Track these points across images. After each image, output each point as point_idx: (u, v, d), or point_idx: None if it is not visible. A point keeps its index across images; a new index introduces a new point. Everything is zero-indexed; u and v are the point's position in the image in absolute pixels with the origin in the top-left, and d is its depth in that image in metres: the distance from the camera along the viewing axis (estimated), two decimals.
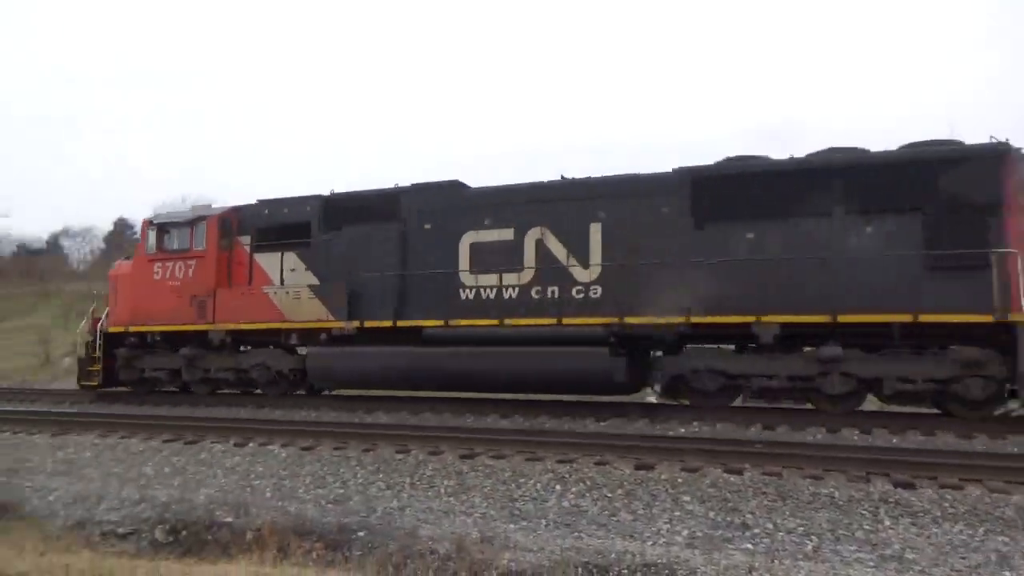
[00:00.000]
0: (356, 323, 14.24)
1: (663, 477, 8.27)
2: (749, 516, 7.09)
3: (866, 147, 11.71)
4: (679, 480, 8.14)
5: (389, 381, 14.50)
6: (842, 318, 10.91)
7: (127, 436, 11.97)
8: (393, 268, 14.17)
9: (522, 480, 8.56)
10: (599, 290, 12.62)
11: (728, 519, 7.08)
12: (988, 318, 10.08)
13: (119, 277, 17.27)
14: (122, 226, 60.64)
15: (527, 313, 12.94)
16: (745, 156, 12.52)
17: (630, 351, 12.31)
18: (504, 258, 13.29)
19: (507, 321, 12.99)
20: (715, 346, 12.42)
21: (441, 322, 13.45)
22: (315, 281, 14.92)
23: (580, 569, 5.79)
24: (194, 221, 16.14)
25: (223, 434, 11.62)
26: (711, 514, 7.23)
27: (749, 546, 6.39)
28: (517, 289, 13.17)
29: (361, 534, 7.09)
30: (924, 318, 10.44)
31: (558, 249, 12.97)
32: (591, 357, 12.09)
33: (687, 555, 6.05)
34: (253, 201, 16.20)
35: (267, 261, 15.57)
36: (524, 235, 13.20)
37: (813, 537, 6.54)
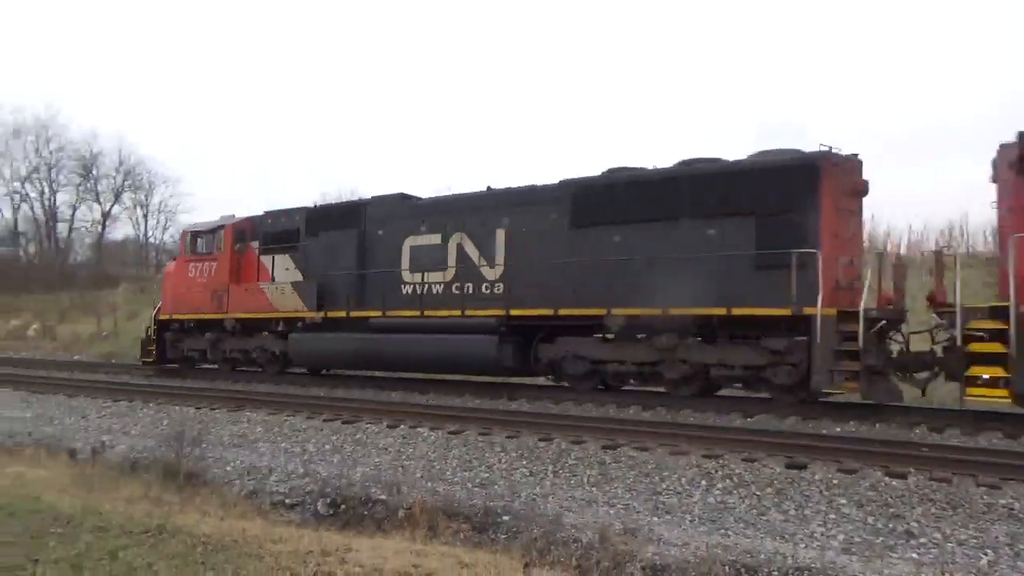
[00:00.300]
0: (322, 313, 17.05)
1: (816, 477, 7.88)
2: (914, 524, 6.63)
3: (723, 157, 13.05)
4: (834, 481, 7.73)
5: (345, 361, 17.58)
6: (673, 311, 12.29)
7: (292, 415, 12.92)
8: (353, 268, 16.85)
9: (666, 474, 8.45)
10: (501, 287, 14.58)
11: (890, 526, 6.65)
12: (787, 311, 11.22)
13: (167, 275, 21.78)
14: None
15: (444, 306, 15.15)
16: (622, 168, 14.06)
17: (526, 339, 14.20)
18: (434, 259, 15.50)
19: (427, 312, 15.25)
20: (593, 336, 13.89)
21: (380, 312, 15.99)
22: (299, 278, 17.90)
23: (727, 567, 5.65)
24: (215, 229, 19.90)
25: (377, 416, 12.28)
26: (870, 519, 6.82)
27: (915, 555, 5.98)
28: (442, 286, 15.41)
29: (506, 518, 7.29)
30: (736, 311, 11.80)
31: (472, 252, 15.04)
32: (484, 343, 14.13)
33: (844, 561, 5.76)
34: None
35: (268, 262, 18.81)
36: (448, 240, 15.40)
37: (988, 551, 6.02)
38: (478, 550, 5.70)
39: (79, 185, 58.89)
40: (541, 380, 15.78)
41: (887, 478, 7.69)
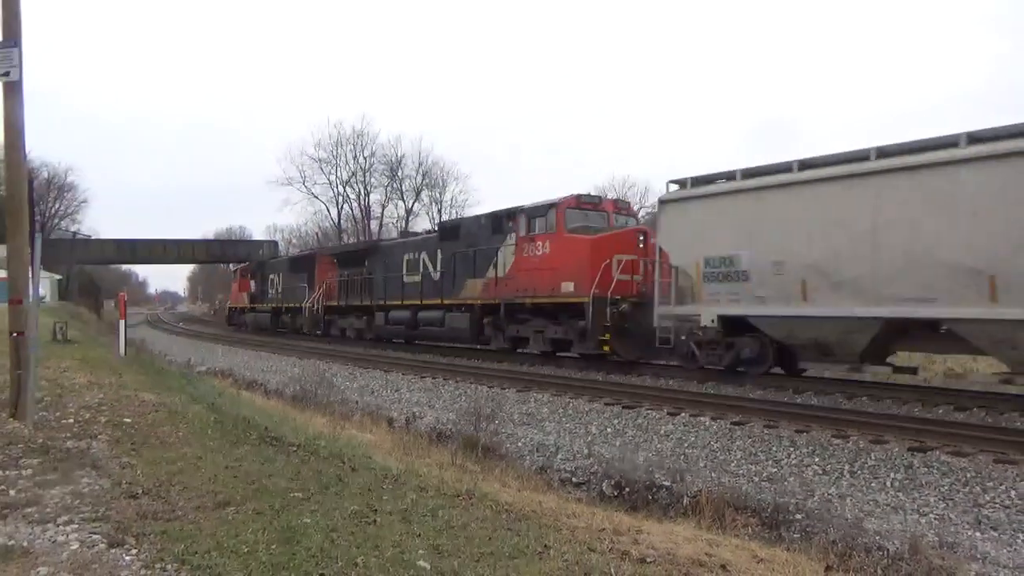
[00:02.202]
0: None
1: None
2: None
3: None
4: None
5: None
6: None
7: (574, 397, 13.49)
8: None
9: (989, 484, 7.44)
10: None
11: None
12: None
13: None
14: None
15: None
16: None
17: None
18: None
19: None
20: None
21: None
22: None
23: None
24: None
25: (657, 403, 12.36)
26: None
27: None
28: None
29: (798, 516, 6.96)
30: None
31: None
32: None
33: None
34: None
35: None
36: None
37: None
38: (773, 546, 5.51)
39: (387, 186, 66.88)
40: (827, 373, 14.71)
41: None
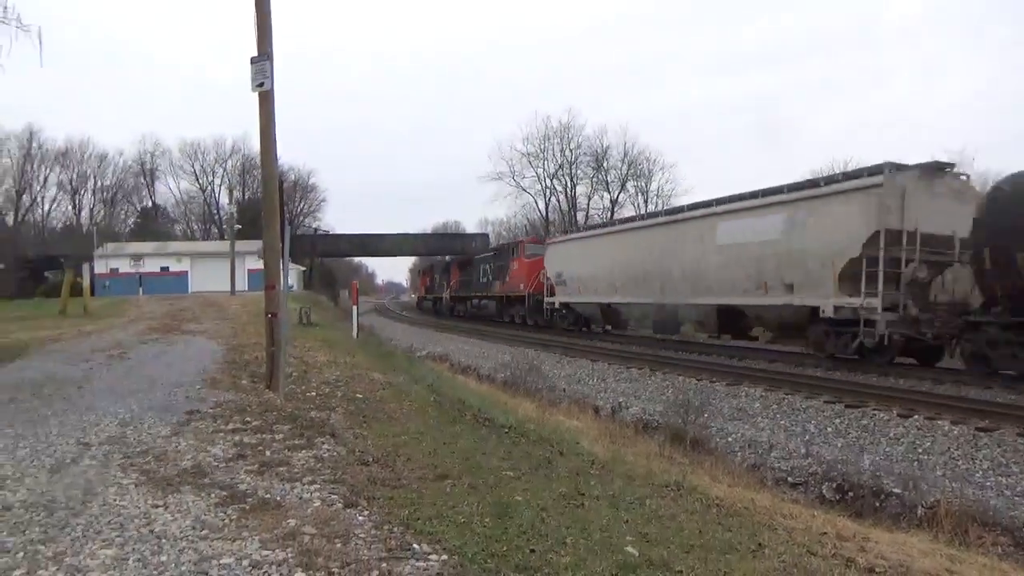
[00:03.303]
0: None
1: None
2: None
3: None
4: None
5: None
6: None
7: (790, 393, 12.73)
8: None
9: None
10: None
11: None
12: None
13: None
14: None
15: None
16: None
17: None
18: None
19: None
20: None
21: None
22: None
23: None
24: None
25: (884, 403, 11.33)
26: None
27: None
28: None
29: None
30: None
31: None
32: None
33: None
34: None
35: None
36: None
37: None
38: None
39: (592, 177, 67.29)
40: None
41: None
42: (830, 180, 16.57)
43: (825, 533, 4.85)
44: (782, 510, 5.67)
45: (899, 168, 14.63)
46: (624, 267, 23.51)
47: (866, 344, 14.66)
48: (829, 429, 10.46)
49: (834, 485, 8.12)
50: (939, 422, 9.98)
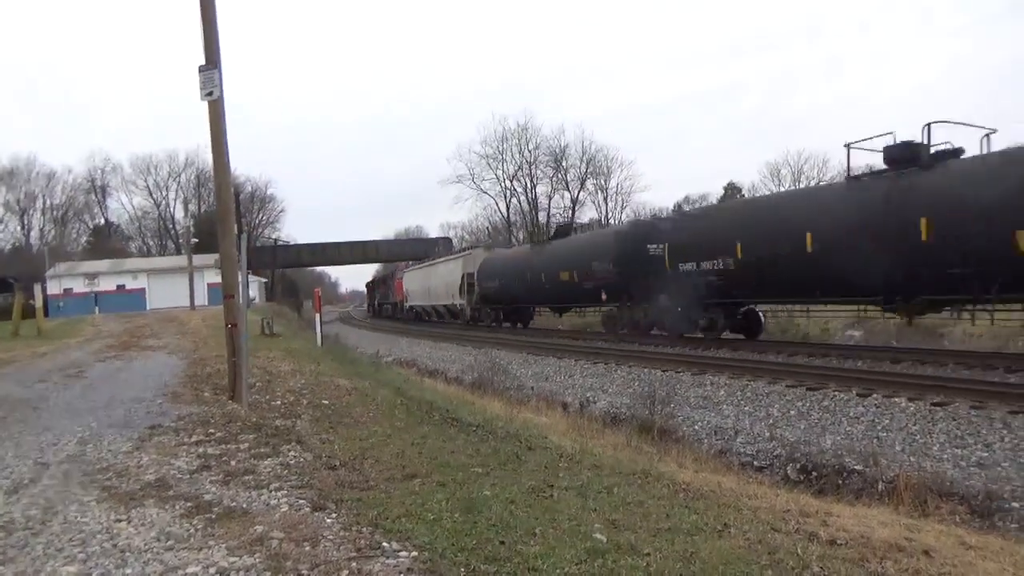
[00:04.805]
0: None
1: None
2: None
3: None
4: None
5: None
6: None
7: (753, 380, 12.95)
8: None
9: None
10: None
11: None
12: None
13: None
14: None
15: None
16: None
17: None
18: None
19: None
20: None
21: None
22: None
23: None
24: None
25: (845, 383, 11.59)
26: None
27: None
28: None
29: (1016, 505, 6.27)
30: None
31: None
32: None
33: None
34: None
35: None
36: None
37: None
38: (985, 534, 5.01)
39: (552, 177, 67.60)
40: None
41: None
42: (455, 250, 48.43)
43: (789, 511, 4.95)
44: (747, 491, 5.77)
45: (475, 247, 39.46)
46: (420, 284, 46.80)
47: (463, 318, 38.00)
48: (792, 412, 10.67)
49: (798, 466, 8.29)
50: (896, 399, 10.25)
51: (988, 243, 12.08)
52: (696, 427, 10.55)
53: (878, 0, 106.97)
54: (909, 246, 13.28)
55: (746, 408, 11.29)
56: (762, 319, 21.01)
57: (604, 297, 24.29)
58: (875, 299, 15.37)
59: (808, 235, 15.45)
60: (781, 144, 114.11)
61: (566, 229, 33.58)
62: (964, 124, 14.34)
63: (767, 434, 9.63)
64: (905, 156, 14.16)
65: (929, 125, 14.06)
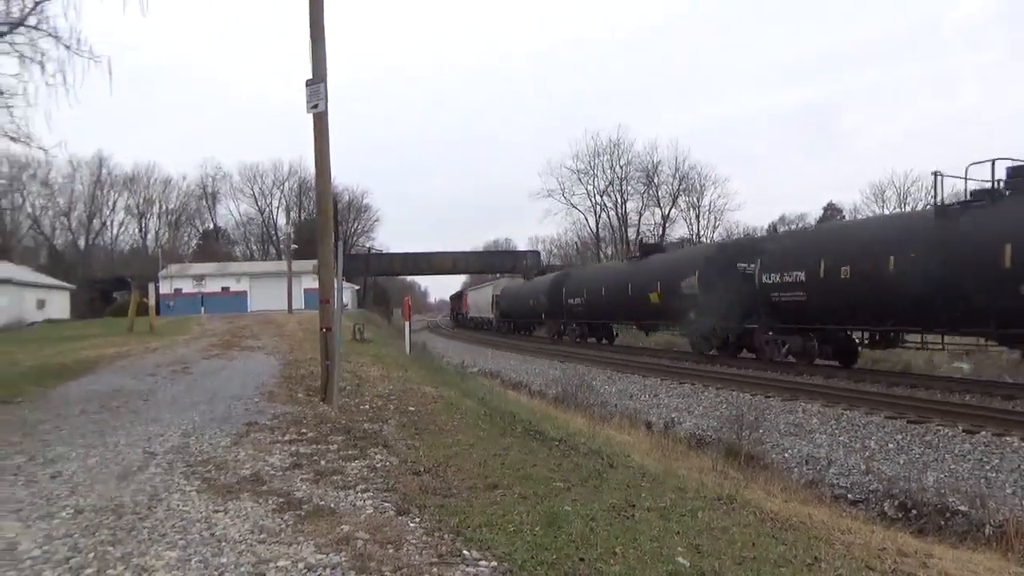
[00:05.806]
0: None
1: None
2: None
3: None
4: None
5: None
6: None
7: (849, 408, 12.40)
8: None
9: None
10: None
11: None
12: None
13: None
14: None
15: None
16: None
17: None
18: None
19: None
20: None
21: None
22: None
23: None
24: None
25: (950, 418, 10.94)
26: None
27: None
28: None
29: None
30: None
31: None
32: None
33: None
34: None
35: None
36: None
37: None
38: None
39: (643, 193, 66.98)
40: None
41: None
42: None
43: (885, 548, 4.72)
44: (840, 525, 5.54)
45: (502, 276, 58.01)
46: (474, 300, 57.89)
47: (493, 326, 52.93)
48: (891, 445, 10.14)
49: (896, 502, 7.87)
50: (1008, 438, 9.59)
51: None
52: (786, 455, 10.18)
53: (988, 14, 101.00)
54: None
55: (840, 438, 10.81)
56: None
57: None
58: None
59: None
60: (886, 164, 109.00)
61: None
62: None
63: (863, 467, 9.19)
64: None
65: None
